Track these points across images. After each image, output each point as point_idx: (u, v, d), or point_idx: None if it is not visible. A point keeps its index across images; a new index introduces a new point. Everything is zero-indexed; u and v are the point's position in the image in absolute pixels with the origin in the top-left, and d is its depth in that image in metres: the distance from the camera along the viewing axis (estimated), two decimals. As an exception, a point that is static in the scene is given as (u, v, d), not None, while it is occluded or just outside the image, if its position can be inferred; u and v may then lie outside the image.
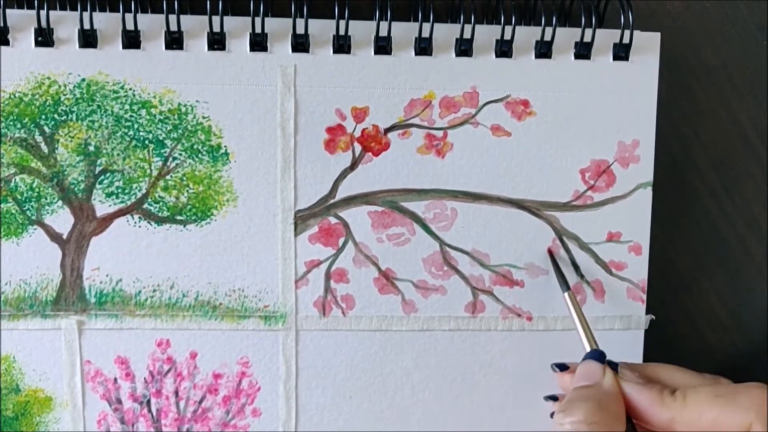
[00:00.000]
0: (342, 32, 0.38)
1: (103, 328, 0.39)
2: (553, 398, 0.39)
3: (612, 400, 0.33)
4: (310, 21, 0.37)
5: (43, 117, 0.37)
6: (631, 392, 0.33)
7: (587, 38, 0.38)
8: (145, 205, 0.39)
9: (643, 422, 0.33)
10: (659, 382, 0.34)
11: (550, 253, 0.40)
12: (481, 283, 0.40)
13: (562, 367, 0.38)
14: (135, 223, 0.39)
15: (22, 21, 0.37)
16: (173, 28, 0.37)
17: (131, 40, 0.37)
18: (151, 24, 0.37)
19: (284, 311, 0.40)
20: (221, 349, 0.40)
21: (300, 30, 0.37)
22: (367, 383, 0.41)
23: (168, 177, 0.39)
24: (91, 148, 0.38)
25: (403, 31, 0.38)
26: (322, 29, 0.38)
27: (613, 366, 0.35)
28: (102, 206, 0.39)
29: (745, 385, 0.32)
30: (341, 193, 0.39)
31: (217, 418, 0.41)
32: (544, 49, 0.39)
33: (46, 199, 0.38)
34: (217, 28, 0.37)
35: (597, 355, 0.35)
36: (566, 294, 0.38)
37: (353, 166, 0.39)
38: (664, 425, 0.32)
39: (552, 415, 0.39)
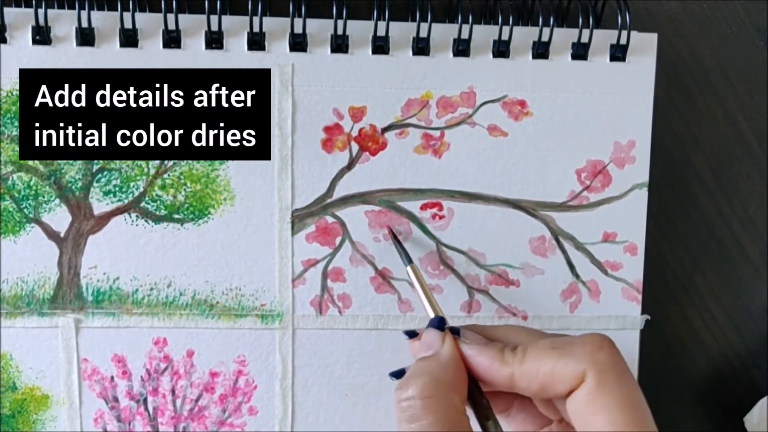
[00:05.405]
0: (340, 32, 0.38)
1: (100, 326, 0.39)
2: (398, 374, 0.35)
3: (450, 370, 0.31)
4: (308, 20, 0.37)
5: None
6: (472, 353, 0.31)
7: (584, 39, 0.38)
8: (143, 204, 0.39)
9: (486, 383, 0.31)
10: (503, 342, 0.32)
11: (390, 230, 0.39)
12: (477, 283, 0.40)
13: (411, 335, 0.35)
14: (132, 221, 0.39)
15: (19, 19, 0.37)
16: (171, 26, 0.37)
17: (129, 38, 0.37)
18: (149, 23, 0.37)
19: (281, 310, 0.40)
20: (218, 347, 0.40)
21: (298, 29, 0.37)
22: (363, 382, 0.41)
23: (165, 175, 0.39)
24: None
25: (401, 31, 0.38)
26: (320, 29, 0.38)
27: (456, 332, 0.33)
28: (99, 204, 0.39)
29: (583, 335, 0.30)
30: (338, 193, 0.39)
31: (214, 417, 0.41)
32: (541, 50, 0.39)
33: (43, 197, 0.38)
34: (215, 27, 0.37)
35: (437, 323, 0.34)
36: (408, 267, 0.37)
37: (350, 165, 0.39)
38: (505, 382, 0.31)
39: None
